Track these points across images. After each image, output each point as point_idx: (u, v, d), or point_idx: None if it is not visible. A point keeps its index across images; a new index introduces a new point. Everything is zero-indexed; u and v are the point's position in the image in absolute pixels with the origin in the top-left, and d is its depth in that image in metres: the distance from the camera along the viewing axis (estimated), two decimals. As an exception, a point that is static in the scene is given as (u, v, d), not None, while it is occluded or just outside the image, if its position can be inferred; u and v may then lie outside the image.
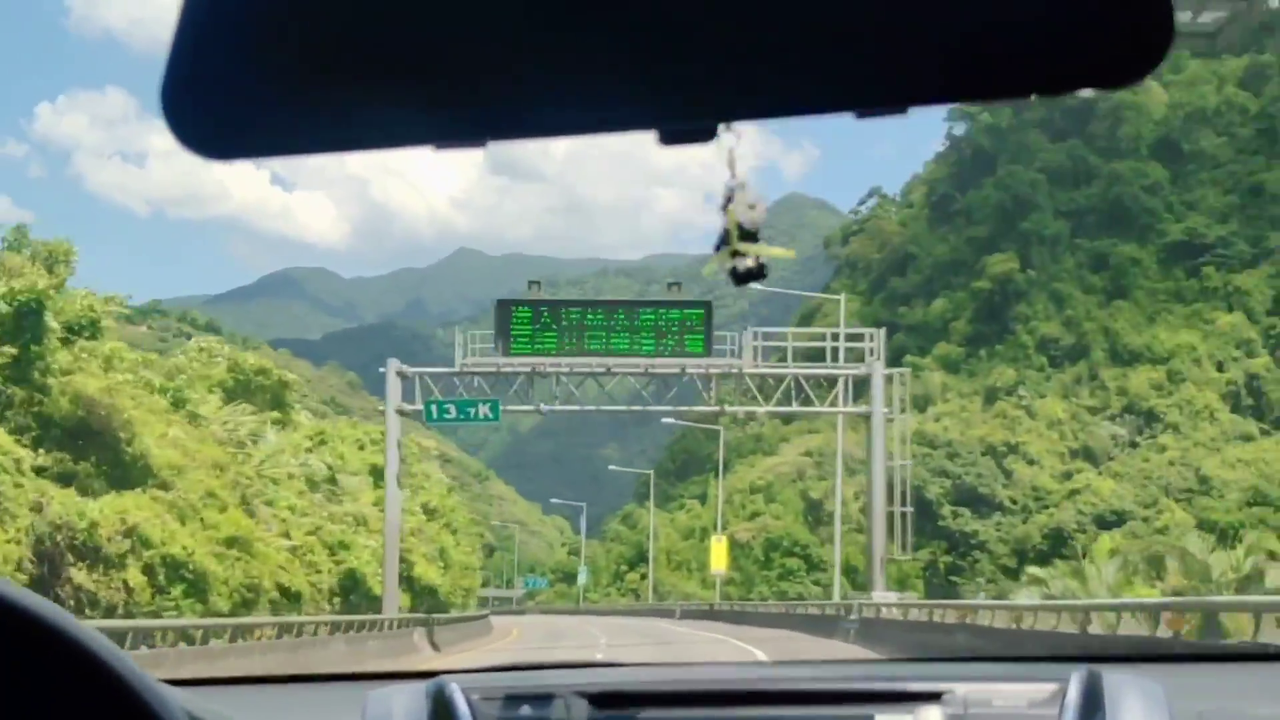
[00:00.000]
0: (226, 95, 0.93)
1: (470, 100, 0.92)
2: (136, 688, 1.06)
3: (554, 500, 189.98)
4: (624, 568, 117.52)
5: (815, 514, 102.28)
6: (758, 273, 1.11)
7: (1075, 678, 2.17)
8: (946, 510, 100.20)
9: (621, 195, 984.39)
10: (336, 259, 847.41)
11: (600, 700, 2.18)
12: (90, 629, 1.07)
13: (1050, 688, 2.17)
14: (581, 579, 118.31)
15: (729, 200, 1.09)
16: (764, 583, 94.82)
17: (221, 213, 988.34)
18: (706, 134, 0.96)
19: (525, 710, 2.17)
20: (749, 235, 1.10)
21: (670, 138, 0.95)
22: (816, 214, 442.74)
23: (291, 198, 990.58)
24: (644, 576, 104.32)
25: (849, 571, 71.58)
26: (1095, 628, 25.39)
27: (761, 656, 27.33)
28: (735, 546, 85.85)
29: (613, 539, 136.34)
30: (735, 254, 1.10)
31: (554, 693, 2.22)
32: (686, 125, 0.94)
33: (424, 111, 0.93)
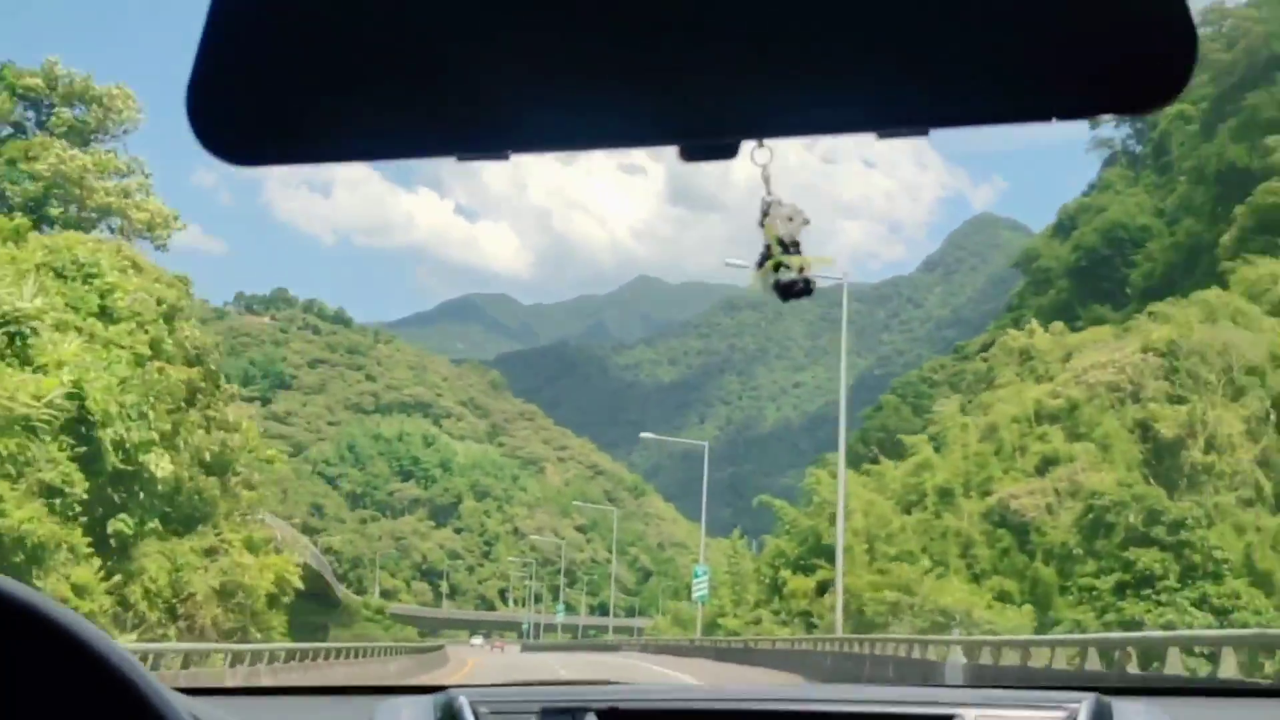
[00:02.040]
0: (252, 101, 0.93)
1: (493, 112, 0.92)
2: (145, 692, 1.06)
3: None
4: (783, 574, 72.50)
5: (1166, 458, 57.36)
6: (804, 287, 1.11)
7: (1085, 705, 2.20)
8: None
9: (806, 226, 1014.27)
10: (518, 286, 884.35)
11: (609, 716, 2.20)
12: (96, 629, 1.07)
13: (1058, 715, 2.20)
14: (698, 591, 78.37)
15: (765, 215, 1.11)
16: (1088, 602, 53.78)
17: (407, 242, 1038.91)
18: (728, 151, 0.97)
19: None
20: (790, 248, 1.11)
21: (692, 154, 0.96)
22: (1010, 234, 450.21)
23: (476, 228, 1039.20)
24: (824, 590, 64.22)
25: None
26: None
27: None
28: (1009, 523, 58.61)
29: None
30: (779, 267, 1.10)
31: (564, 708, 2.24)
32: (708, 142, 0.95)
33: (447, 122, 0.94)
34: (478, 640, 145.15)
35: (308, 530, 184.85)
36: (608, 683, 3.04)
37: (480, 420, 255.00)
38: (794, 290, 1.11)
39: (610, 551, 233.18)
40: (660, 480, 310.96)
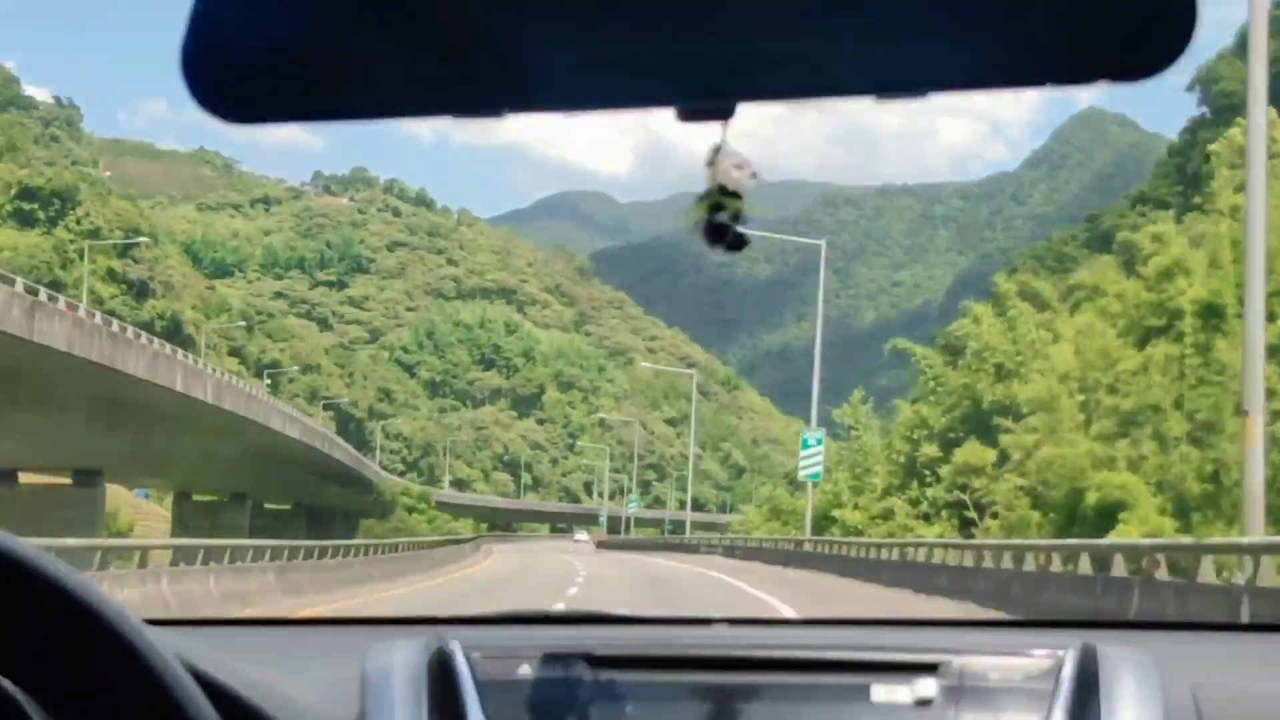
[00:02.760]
0: (247, 59, 0.93)
1: (488, 72, 0.92)
2: (126, 633, 1.03)
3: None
4: (925, 449, 55.17)
5: None
6: (735, 239, 1.10)
7: (1070, 653, 2.22)
8: None
9: (905, 124, 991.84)
10: (616, 185, 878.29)
11: (599, 662, 2.22)
12: (58, 561, 1.03)
13: (1046, 662, 2.22)
14: (809, 466, 54.28)
15: (715, 156, 1.08)
16: None
17: (505, 140, 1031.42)
18: (724, 113, 0.96)
19: (525, 670, 2.22)
20: (733, 195, 1.09)
21: (687, 115, 0.95)
22: (1117, 130, 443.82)
23: (574, 125, 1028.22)
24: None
25: None
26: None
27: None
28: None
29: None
30: (714, 208, 1.09)
31: (557, 652, 2.26)
32: (704, 105, 0.95)
33: (442, 81, 0.93)
34: (582, 536, 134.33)
35: (374, 415, 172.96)
36: (597, 619, 2.95)
37: (566, 308, 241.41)
38: (722, 235, 1.09)
39: (702, 447, 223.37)
40: (756, 380, 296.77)
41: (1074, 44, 0.89)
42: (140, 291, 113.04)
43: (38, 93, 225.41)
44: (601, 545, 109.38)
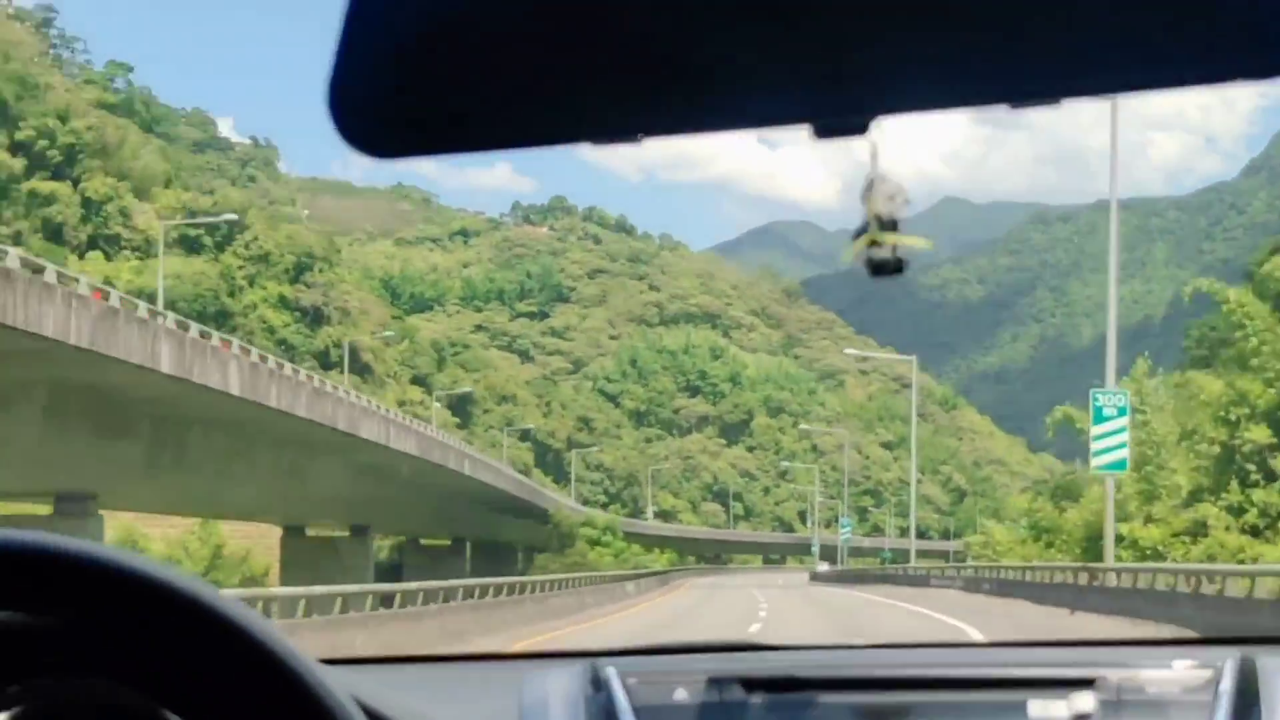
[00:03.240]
0: (393, 92, 0.93)
1: (624, 95, 0.91)
2: (299, 670, 1.05)
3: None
4: (1247, 431, 41.74)
5: None
6: (895, 265, 1.08)
7: (1230, 663, 2.16)
8: None
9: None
10: (823, 214, 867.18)
11: (755, 685, 2.21)
12: (242, 604, 1.05)
13: (1205, 674, 2.17)
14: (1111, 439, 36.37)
15: (869, 190, 1.07)
16: None
17: (711, 175, 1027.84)
18: (860, 128, 0.94)
19: (681, 694, 2.20)
20: (889, 226, 1.07)
21: (824, 132, 0.94)
22: None
23: (777, 156, 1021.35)
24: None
25: None
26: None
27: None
28: None
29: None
30: (873, 244, 1.07)
31: (711, 676, 2.24)
32: (841, 121, 0.93)
33: (577, 107, 0.92)
34: (823, 567, 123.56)
35: (572, 445, 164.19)
36: (749, 647, 2.94)
37: (773, 331, 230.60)
38: (885, 268, 1.07)
39: (921, 471, 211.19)
40: (973, 400, 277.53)
41: (1209, 44, 0.86)
42: (315, 319, 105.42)
43: (234, 135, 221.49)
44: (816, 578, 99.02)
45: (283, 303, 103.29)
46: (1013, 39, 0.87)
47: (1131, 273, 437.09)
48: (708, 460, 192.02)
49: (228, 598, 1.02)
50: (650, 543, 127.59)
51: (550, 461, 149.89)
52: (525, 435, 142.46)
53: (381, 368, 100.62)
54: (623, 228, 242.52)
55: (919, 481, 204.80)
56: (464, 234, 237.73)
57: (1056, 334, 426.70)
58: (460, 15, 0.91)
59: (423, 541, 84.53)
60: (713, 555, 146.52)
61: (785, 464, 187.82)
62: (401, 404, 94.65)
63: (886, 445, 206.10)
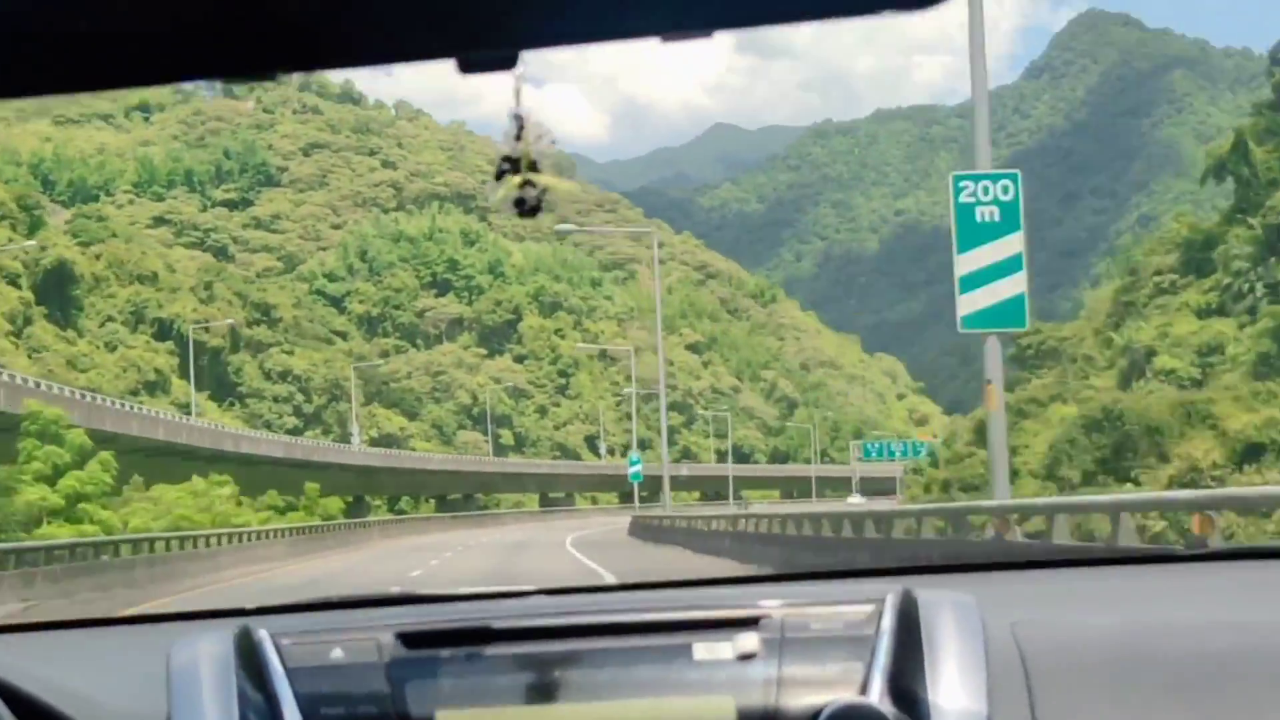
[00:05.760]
0: None
1: (259, 31, 0.83)
2: None
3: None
4: None
5: None
6: (538, 206, 1.06)
7: (890, 599, 2.16)
8: None
9: (879, 65, 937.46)
10: (594, 149, 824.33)
11: (414, 640, 2.10)
12: None
13: (866, 609, 2.15)
14: None
15: (520, 130, 1.02)
16: None
17: (477, 114, 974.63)
18: (507, 62, 0.89)
19: (337, 654, 2.08)
20: (533, 165, 1.03)
21: (468, 66, 0.88)
22: (1121, 31, 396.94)
23: (544, 93, 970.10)
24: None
25: None
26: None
27: None
28: None
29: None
30: (526, 184, 1.03)
31: (366, 632, 2.13)
32: (486, 54, 0.87)
33: (209, 43, 0.84)
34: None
35: (248, 346, 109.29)
36: (410, 598, 2.76)
37: (544, 214, 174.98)
38: (529, 207, 1.06)
39: (738, 378, 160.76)
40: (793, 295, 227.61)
41: None
42: None
43: None
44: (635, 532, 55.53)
45: None
46: None
47: (916, 184, 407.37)
48: (464, 376, 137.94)
49: None
50: (353, 481, 73.88)
51: (206, 368, 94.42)
52: (165, 330, 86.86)
53: None
54: (349, 97, 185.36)
55: (737, 392, 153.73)
56: (144, 110, 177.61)
57: (843, 251, 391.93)
58: None
59: None
60: (463, 496, 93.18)
61: (569, 380, 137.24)
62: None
63: (693, 348, 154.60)
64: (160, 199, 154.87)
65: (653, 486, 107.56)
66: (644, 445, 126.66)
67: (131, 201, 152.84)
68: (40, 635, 3.16)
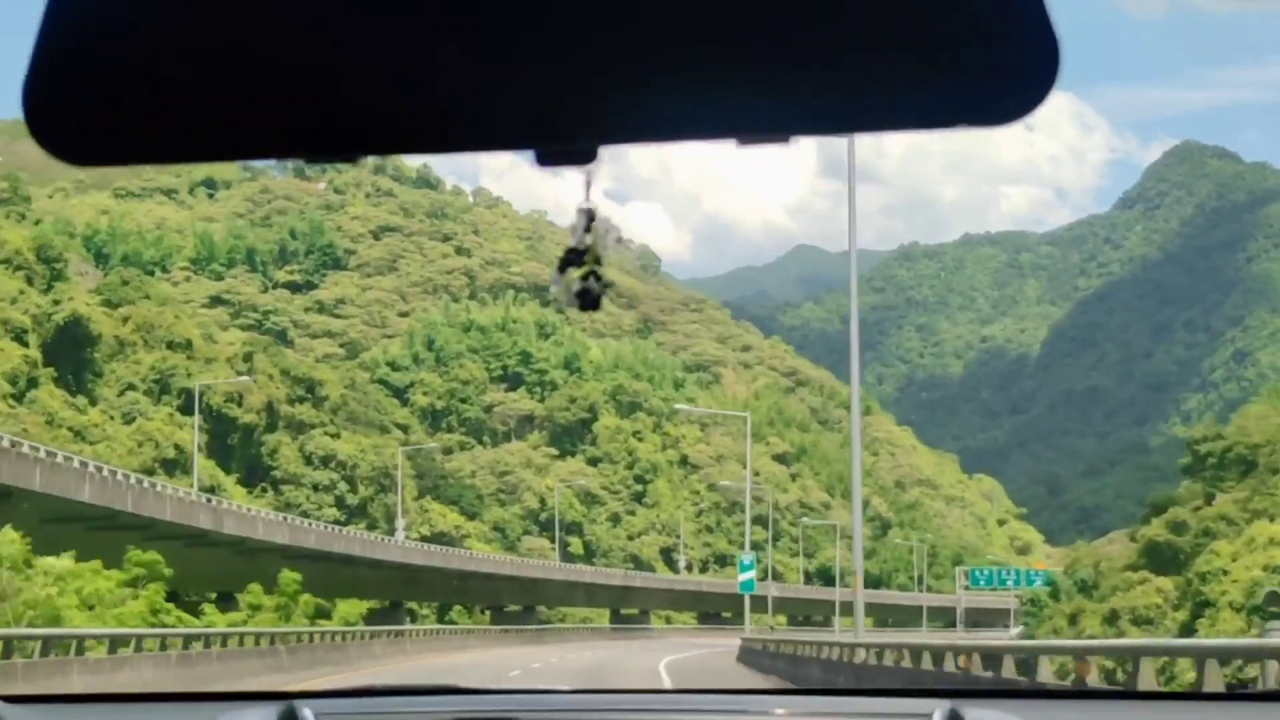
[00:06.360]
0: (91, 100, 0.85)
1: (341, 113, 0.85)
2: None
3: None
4: None
5: None
6: (598, 299, 1.06)
7: (939, 713, 2.10)
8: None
9: (964, 194, 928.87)
10: (677, 266, 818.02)
11: None
12: None
13: None
14: None
15: (590, 223, 1.03)
16: None
17: (557, 204, 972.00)
18: (585, 156, 0.90)
19: None
20: (598, 259, 1.04)
21: (547, 159, 0.89)
22: (1217, 164, 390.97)
23: (626, 210, 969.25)
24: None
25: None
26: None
27: None
28: None
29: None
30: (590, 276, 1.04)
31: (405, 718, 2.16)
32: (564, 147, 0.88)
33: (294, 123, 0.85)
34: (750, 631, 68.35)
35: (286, 424, 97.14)
36: (452, 691, 2.84)
37: (625, 311, 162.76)
38: (592, 300, 1.06)
39: (829, 493, 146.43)
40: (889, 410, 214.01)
41: (937, 88, 0.85)
42: None
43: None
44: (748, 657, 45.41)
45: None
46: (739, 74, 0.85)
47: (1003, 310, 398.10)
48: (532, 477, 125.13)
49: None
50: (390, 581, 61.18)
51: (236, 447, 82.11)
52: (188, 402, 75.19)
53: None
54: (426, 181, 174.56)
55: (828, 508, 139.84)
56: (209, 185, 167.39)
57: (925, 376, 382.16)
58: (165, 21, 0.85)
59: None
60: (523, 609, 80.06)
61: (643, 482, 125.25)
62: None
63: (780, 459, 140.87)
64: (219, 278, 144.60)
65: (732, 606, 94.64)
66: (722, 562, 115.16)
67: (188, 279, 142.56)
68: (97, 706, 3.20)
